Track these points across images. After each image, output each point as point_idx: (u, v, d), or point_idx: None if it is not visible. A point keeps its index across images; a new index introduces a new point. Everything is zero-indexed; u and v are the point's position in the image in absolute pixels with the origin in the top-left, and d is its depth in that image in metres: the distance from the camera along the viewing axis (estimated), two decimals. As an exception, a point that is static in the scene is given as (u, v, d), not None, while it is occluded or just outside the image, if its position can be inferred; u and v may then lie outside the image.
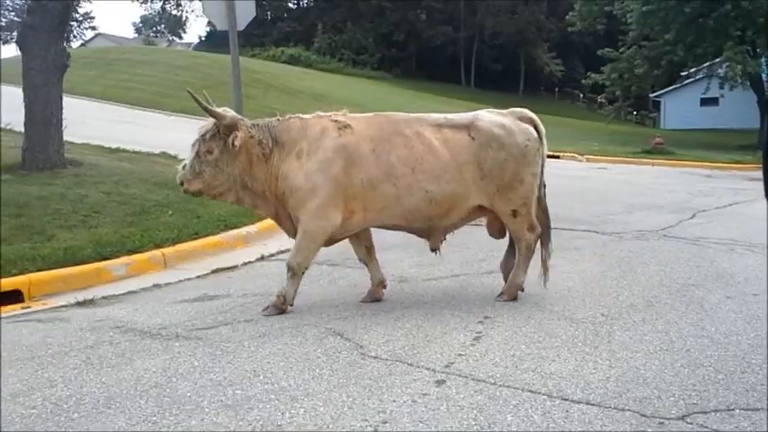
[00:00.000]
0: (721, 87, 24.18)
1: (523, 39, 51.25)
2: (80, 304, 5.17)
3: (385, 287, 5.15)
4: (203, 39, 59.42)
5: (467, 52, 52.13)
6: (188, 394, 3.33)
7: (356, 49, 48.45)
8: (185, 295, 5.37)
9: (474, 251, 6.52)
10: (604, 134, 27.58)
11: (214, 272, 6.15)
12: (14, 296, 5.46)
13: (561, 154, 18.24)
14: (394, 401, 3.22)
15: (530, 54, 52.57)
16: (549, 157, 18.63)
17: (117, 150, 12.61)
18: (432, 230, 4.99)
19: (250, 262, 6.53)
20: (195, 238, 6.98)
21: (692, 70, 27.28)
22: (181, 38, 68.89)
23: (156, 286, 5.69)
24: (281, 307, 4.73)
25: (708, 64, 25.18)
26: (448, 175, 4.75)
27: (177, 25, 68.61)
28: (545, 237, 5.18)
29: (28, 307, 5.25)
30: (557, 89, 54.58)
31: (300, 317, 4.63)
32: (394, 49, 50.14)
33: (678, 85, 34.03)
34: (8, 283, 5.48)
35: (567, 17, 30.49)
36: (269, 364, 3.72)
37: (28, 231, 6.79)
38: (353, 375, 3.55)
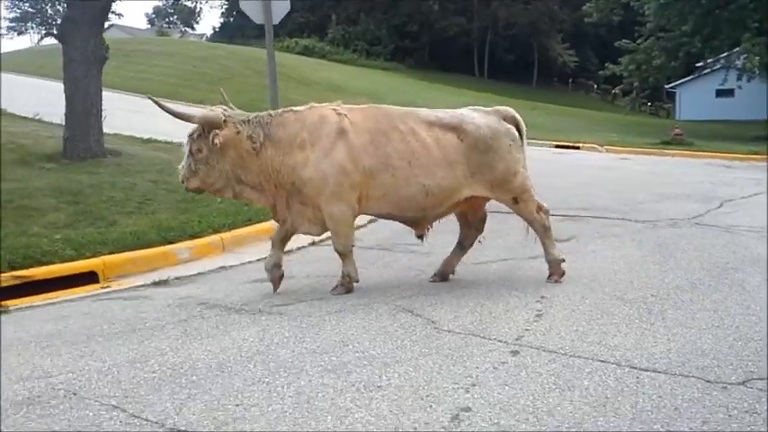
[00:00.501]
0: (739, 79, 24.31)
1: (537, 29, 51.22)
2: (156, 284, 5.55)
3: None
4: (217, 30, 59.84)
5: (480, 43, 52.21)
6: (290, 360, 3.67)
7: (370, 40, 48.62)
8: (252, 276, 5.72)
9: (515, 237, 6.76)
10: (620, 125, 27.71)
11: (272, 255, 6.48)
12: (89, 277, 5.85)
13: (581, 144, 18.41)
14: (477, 368, 3.54)
15: (543, 45, 52.57)
16: (570, 147, 18.70)
17: (150, 141, 12.98)
18: (422, 220, 5.29)
19: (303, 247, 6.87)
20: (249, 224, 7.36)
21: (708, 61, 27.33)
22: (194, 29, 69.20)
23: (223, 268, 6.06)
24: (348, 286, 5.07)
25: (725, 55, 25.25)
26: (441, 171, 5.04)
27: (190, 16, 68.89)
28: None
29: (107, 286, 5.63)
30: (570, 80, 54.56)
31: (369, 296, 4.96)
32: (407, 40, 50.28)
33: (694, 77, 33.98)
34: (84, 264, 5.86)
35: (584, 8, 30.53)
36: (354, 336, 4.06)
37: (90, 217, 7.17)
38: (433, 346, 3.87)
